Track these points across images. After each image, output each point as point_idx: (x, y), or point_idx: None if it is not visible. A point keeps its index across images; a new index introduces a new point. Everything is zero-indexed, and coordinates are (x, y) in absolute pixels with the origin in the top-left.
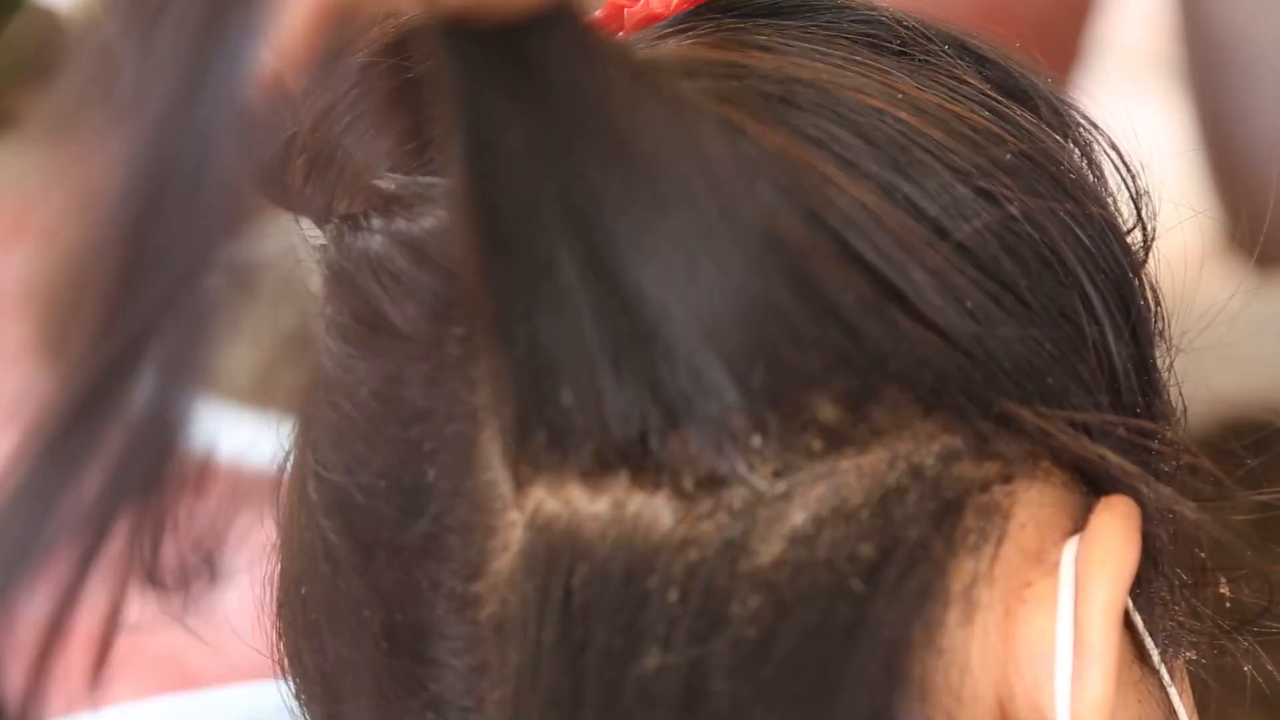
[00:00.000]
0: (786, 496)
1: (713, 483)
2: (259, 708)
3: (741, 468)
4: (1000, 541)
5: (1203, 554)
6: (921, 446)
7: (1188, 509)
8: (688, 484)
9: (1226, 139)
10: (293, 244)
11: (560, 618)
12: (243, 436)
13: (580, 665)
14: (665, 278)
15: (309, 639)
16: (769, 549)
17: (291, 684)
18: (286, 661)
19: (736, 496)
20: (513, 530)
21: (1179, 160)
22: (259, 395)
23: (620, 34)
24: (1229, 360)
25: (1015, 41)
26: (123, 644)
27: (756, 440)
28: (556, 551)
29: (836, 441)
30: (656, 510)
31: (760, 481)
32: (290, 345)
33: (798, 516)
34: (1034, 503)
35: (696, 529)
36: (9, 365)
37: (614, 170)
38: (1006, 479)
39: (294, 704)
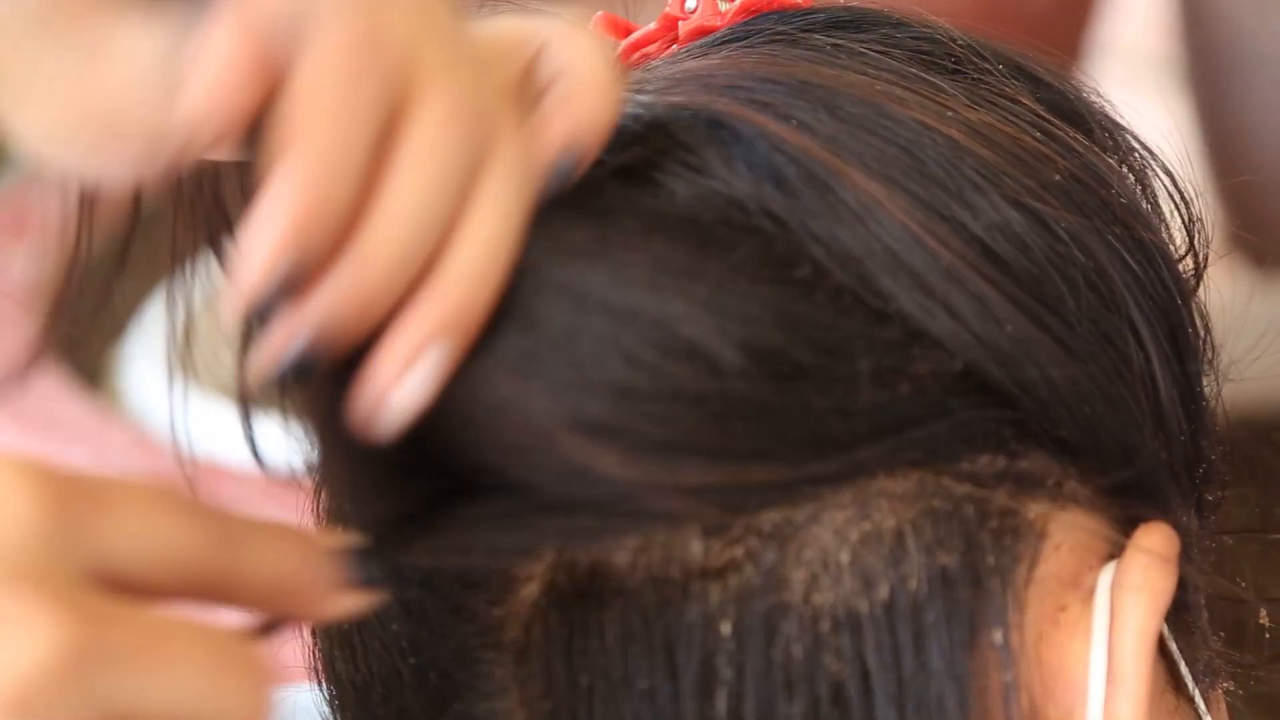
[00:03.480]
0: (815, 519)
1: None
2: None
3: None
4: (1034, 564)
5: (1242, 583)
6: (953, 468)
7: (1227, 537)
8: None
9: (1227, 139)
10: None
11: (594, 653)
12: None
13: (615, 701)
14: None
15: (342, 650)
16: (802, 575)
17: (325, 691)
18: (321, 669)
19: (765, 520)
20: (537, 563)
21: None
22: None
23: (674, 44)
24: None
25: (1016, 40)
26: None
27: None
28: (583, 585)
29: (867, 464)
30: (685, 536)
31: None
32: None
33: (829, 540)
34: (1069, 526)
35: (728, 554)
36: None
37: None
38: (1041, 501)
39: (327, 710)
